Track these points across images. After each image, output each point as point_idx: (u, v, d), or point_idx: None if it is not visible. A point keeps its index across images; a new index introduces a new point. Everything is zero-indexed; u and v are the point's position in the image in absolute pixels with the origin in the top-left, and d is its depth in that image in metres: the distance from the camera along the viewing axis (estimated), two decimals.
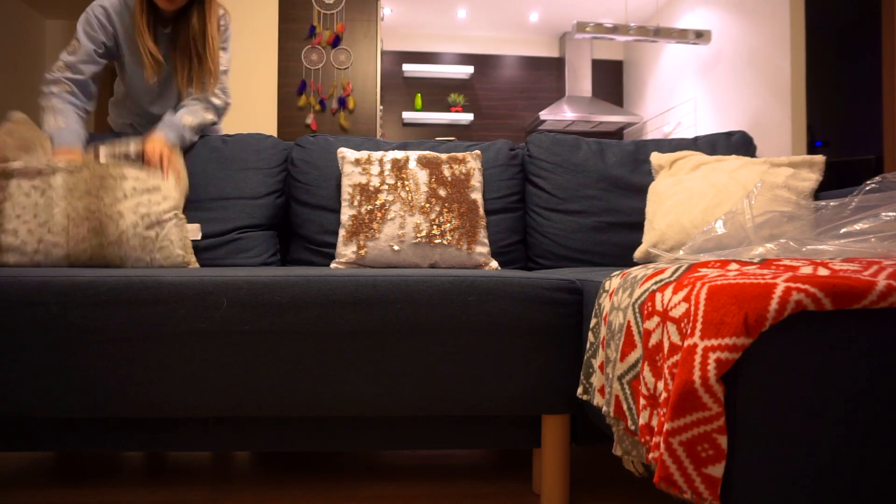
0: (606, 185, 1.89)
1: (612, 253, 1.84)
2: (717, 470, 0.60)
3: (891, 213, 0.75)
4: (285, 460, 1.61)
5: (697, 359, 0.60)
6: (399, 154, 1.79)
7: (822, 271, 0.65)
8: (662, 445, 0.62)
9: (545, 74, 5.81)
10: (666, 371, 0.69)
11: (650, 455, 0.71)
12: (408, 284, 1.22)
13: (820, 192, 1.69)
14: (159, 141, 1.69)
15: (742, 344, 0.58)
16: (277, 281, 1.21)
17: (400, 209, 1.68)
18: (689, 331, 0.63)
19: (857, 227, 0.79)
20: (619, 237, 1.84)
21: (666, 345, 0.69)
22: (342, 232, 1.68)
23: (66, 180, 1.54)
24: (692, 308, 0.64)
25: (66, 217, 1.51)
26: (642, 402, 0.76)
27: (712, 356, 0.59)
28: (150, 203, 1.57)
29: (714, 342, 0.59)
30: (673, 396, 0.61)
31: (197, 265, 1.63)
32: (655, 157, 1.88)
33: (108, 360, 1.18)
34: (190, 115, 1.81)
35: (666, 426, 0.62)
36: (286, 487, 1.41)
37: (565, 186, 1.88)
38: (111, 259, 1.52)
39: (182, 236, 1.60)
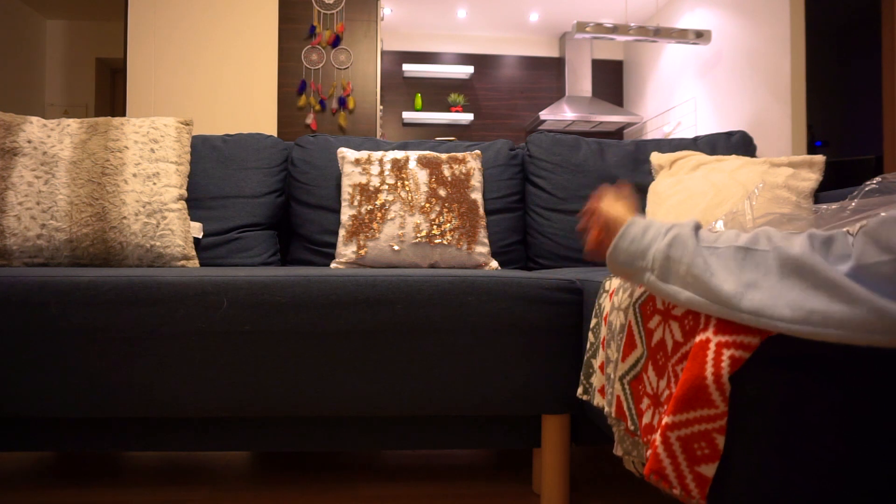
0: (606, 185, 1.89)
1: None
2: (710, 470, 0.60)
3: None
4: (285, 460, 1.61)
5: (710, 354, 0.59)
6: (399, 154, 1.79)
7: None
8: (659, 439, 0.62)
9: (545, 74, 5.81)
10: (670, 369, 0.69)
11: (649, 452, 0.71)
12: (408, 284, 1.22)
13: (820, 192, 1.69)
14: None
15: (753, 343, 0.57)
16: (277, 281, 1.21)
17: (400, 209, 1.68)
18: (702, 325, 0.62)
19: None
20: None
21: (669, 343, 0.69)
22: (342, 232, 1.68)
23: (70, 170, 1.56)
24: None
25: (70, 203, 1.53)
26: (646, 401, 0.76)
27: (726, 353, 0.58)
28: (153, 192, 1.58)
29: (728, 338, 0.59)
30: (680, 390, 0.61)
31: (196, 260, 1.63)
32: (655, 157, 1.88)
33: (108, 360, 1.18)
34: None
35: (666, 420, 0.61)
36: (286, 487, 1.41)
37: (565, 186, 1.88)
38: (111, 244, 1.53)
39: (184, 228, 1.60)
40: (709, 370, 0.58)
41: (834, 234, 0.57)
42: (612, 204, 0.86)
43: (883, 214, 0.53)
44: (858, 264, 0.53)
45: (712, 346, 0.59)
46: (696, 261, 0.64)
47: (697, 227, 0.69)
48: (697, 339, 0.62)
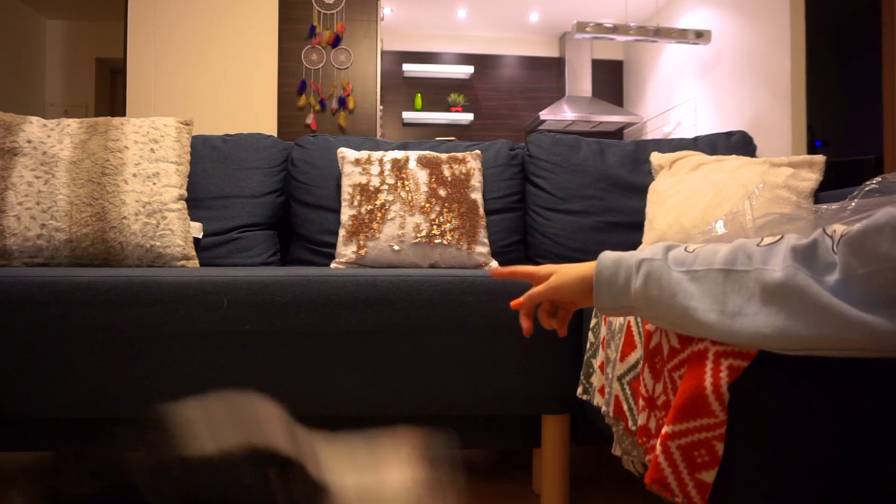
0: (606, 185, 1.89)
1: None
2: (710, 476, 0.60)
3: None
4: None
5: (709, 364, 0.59)
6: (399, 154, 1.79)
7: None
8: (659, 448, 0.62)
9: (545, 74, 5.81)
10: (666, 375, 0.69)
11: (647, 457, 0.71)
12: (408, 284, 1.22)
13: (820, 192, 1.69)
14: None
15: (751, 352, 0.57)
16: (277, 281, 1.21)
17: (400, 209, 1.68)
18: None
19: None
20: (619, 237, 1.84)
21: (665, 348, 0.69)
22: (342, 232, 1.68)
23: (70, 170, 1.56)
24: None
25: (70, 203, 1.53)
26: (641, 402, 0.76)
27: (724, 362, 0.58)
28: (153, 192, 1.58)
29: (726, 348, 0.58)
30: (679, 400, 0.61)
31: (196, 260, 1.63)
32: (655, 157, 1.88)
33: (108, 360, 1.18)
34: None
35: (666, 429, 0.61)
36: None
37: (565, 186, 1.88)
38: (111, 244, 1.53)
39: (184, 228, 1.60)
40: (707, 380, 0.58)
41: (815, 239, 0.55)
42: (555, 279, 0.76)
43: (864, 223, 0.52)
44: (844, 276, 0.52)
45: (710, 355, 0.59)
46: (676, 299, 0.61)
47: (668, 251, 0.66)
48: (695, 347, 0.62)
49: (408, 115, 5.40)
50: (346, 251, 1.66)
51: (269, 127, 3.62)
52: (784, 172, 1.66)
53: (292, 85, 3.77)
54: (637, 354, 0.81)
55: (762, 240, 0.60)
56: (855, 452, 0.57)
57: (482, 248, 1.70)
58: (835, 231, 0.54)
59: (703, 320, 0.59)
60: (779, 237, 0.59)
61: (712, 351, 0.59)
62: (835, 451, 0.57)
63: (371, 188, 1.71)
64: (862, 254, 0.51)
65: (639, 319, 0.81)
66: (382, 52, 5.58)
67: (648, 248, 0.67)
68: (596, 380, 1.02)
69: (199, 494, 0.43)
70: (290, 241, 1.91)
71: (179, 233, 1.59)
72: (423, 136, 5.65)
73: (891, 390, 0.56)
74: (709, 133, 2.10)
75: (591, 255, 1.83)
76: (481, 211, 1.74)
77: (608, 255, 0.71)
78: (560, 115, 5.22)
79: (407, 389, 1.22)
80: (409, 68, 5.41)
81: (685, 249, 0.65)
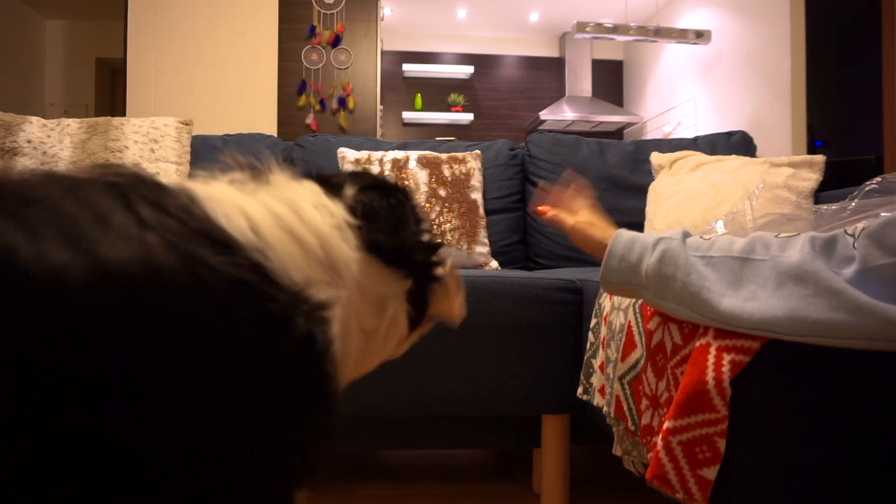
0: (606, 185, 1.89)
1: None
2: (711, 473, 0.60)
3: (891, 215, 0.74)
4: None
5: (711, 359, 0.59)
6: (399, 154, 1.79)
7: None
8: (660, 444, 0.62)
9: (545, 74, 5.81)
10: (669, 372, 0.69)
11: (649, 455, 0.71)
12: None
13: (820, 192, 1.69)
14: None
15: (753, 347, 0.57)
16: None
17: None
18: (702, 329, 0.62)
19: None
20: None
21: (668, 345, 0.69)
22: None
23: (70, 170, 1.56)
24: None
25: None
26: (644, 402, 0.76)
27: (726, 357, 0.58)
28: None
29: (728, 343, 0.58)
30: (680, 395, 0.61)
31: None
32: (655, 157, 1.88)
33: None
34: None
35: (667, 424, 0.61)
36: None
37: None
38: None
39: None
40: (710, 375, 0.58)
41: (835, 235, 0.56)
42: (583, 220, 0.81)
43: (886, 216, 0.52)
44: (863, 267, 0.52)
45: (713, 350, 0.59)
46: (690, 278, 0.61)
47: (686, 236, 0.67)
48: (697, 343, 0.62)
49: (408, 115, 5.40)
50: None
51: (269, 127, 3.61)
52: (784, 172, 1.66)
53: (292, 85, 3.76)
54: (637, 354, 0.81)
55: (779, 233, 0.60)
56: (858, 449, 0.57)
57: (482, 248, 1.70)
58: (857, 228, 0.54)
59: (715, 302, 0.59)
60: (797, 233, 0.59)
61: (714, 346, 0.59)
62: (838, 448, 0.57)
63: None
64: (883, 245, 0.51)
65: (639, 319, 0.81)
66: (382, 52, 5.58)
67: (666, 231, 0.68)
68: (596, 380, 1.02)
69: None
70: None
71: None
72: (423, 136, 5.65)
73: (894, 387, 0.56)
74: (709, 133, 2.10)
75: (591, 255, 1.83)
76: (481, 211, 1.74)
77: (625, 233, 0.72)
78: (560, 115, 5.22)
79: (407, 389, 1.22)
80: (409, 68, 5.41)
81: (701, 237, 0.66)
